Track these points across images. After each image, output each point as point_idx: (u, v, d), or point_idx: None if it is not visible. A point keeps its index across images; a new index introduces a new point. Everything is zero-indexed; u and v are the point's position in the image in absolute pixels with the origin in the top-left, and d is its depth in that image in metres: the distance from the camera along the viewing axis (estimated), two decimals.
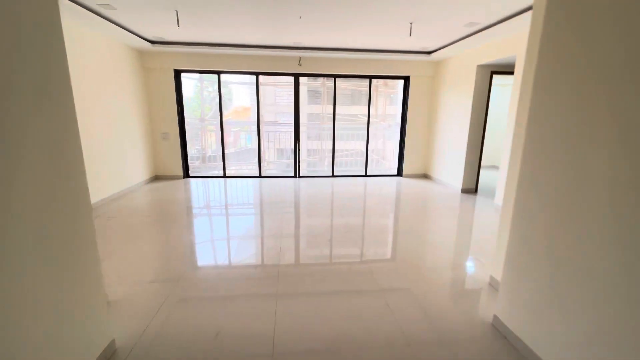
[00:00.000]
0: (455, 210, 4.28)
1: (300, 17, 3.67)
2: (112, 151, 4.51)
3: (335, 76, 5.91)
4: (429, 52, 5.44)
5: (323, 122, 8.25)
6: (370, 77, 6.03)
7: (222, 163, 6.10)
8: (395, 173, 6.57)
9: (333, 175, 6.34)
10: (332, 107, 6.11)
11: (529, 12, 3.21)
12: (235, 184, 5.71)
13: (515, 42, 3.90)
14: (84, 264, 1.44)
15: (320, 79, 9.12)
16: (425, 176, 6.40)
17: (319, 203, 4.56)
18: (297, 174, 6.25)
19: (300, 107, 6.02)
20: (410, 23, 3.81)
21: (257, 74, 5.74)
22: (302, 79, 5.92)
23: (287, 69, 5.65)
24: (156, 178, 5.83)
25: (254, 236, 3.31)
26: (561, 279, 1.41)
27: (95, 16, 3.56)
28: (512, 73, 4.86)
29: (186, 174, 6.02)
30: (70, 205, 1.35)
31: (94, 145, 4.06)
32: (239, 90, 12.72)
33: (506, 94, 6.26)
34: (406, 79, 6.08)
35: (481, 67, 4.71)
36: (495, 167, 6.68)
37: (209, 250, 3.03)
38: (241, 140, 10.97)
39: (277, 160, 9.09)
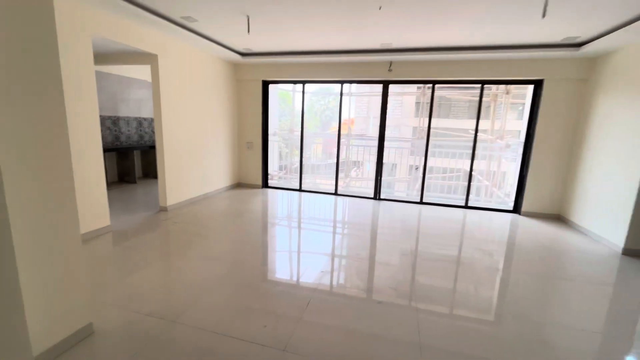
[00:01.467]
0: (612, 288, 2.66)
1: (380, 8, 2.97)
2: (203, 157, 4.78)
3: (433, 82, 4.86)
4: (578, 45, 3.81)
5: (424, 137, 7.10)
6: (483, 83, 4.70)
7: (299, 175, 5.83)
8: (511, 208, 4.92)
9: (421, 202, 5.22)
10: (441, 120, 5.05)
11: None
12: (309, 199, 5.32)
13: None
14: None
15: (427, 88, 8.02)
16: (558, 218, 4.55)
17: (392, 240, 3.66)
18: (377, 196, 5.41)
19: (403, 120, 5.20)
20: None
21: (342, 82, 5.26)
22: (407, 89, 5.09)
23: (376, 76, 4.96)
24: (238, 185, 6.02)
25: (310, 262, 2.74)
26: None
27: (187, 32, 3.76)
28: None
29: (265, 184, 6.01)
30: None
31: (186, 150, 4.34)
32: (345, 101, 12.79)
33: None
34: (537, 84, 4.49)
35: None
36: None
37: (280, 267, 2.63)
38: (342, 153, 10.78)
39: (365, 177, 8.40)
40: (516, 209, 4.85)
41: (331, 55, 4.72)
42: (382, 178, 5.38)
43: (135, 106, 6.08)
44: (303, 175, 5.86)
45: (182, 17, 3.47)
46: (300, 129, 5.71)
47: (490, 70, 4.48)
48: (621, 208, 3.38)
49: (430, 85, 4.92)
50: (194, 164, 4.71)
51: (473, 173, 5.07)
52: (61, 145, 1.58)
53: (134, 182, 5.81)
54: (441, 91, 9.21)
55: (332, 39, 4.11)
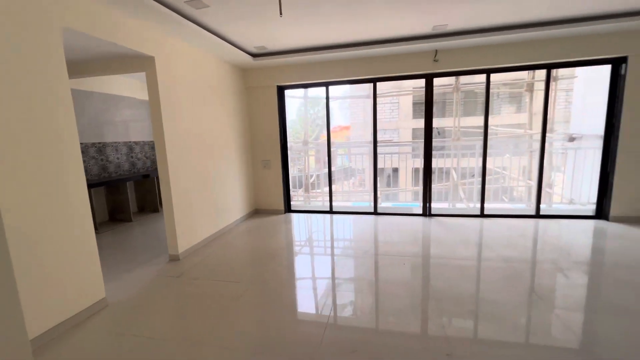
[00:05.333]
0: None
1: None
2: (214, 185, 3.81)
3: (487, 71, 4.06)
4: None
5: (456, 138, 6.30)
6: (549, 67, 3.94)
7: (328, 196, 4.92)
8: (593, 214, 4.11)
9: (482, 215, 4.36)
10: (481, 118, 4.24)
11: None
12: (345, 223, 4.40)
13: None
14: None
15: (448, 82, 7.29)
16: None
17: (465, 277, 2.76)
18: (426, 212, 4.53)
19: (421, 120, 4.36)
20: None
21: (374, 80, 4.41)
22: (404, 89, 4.28)
23: (417, 69, 4.14)
24: (256, 212, 5.05)
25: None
26: None
27: (191, 26, 2.86)
28: None
29: (288, 208, 5.06)
30: None
31: (196, 179, 3.38)
32: (333, 107, 11.90)
33: None
34: (617, 63, 3.74)
35: None
36: None
37: None
38: (338, 162, 9.95)
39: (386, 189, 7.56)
40: (601, 215, 4.04)
41: (362, 48, 3.88)
42: (431, 189, 4.51)
43: (124, 129, 5.08)
44: (319, 189, 4.94)
45: (187, 2, 2.57)
46: (326, 139, 4.82)
47: (555, 50, 3.71)
48: None
49: (484, 75, 4.11)
50: (206, 195, 3.75)
51: (496, 171, 4.25)
52: None
53: (129, 220, 4.77)
54: (469, 86, 8.47)
55: (370, 25, 3.28)
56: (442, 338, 1.87)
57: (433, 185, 4.67)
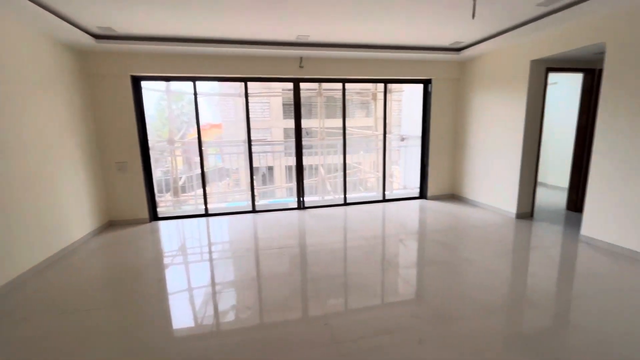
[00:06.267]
0: (513, 237, 3.19)
1: None
2: (43, 200, 2.92)
3: (344, 81, 4.75)
4: (459, 49, 4.47)
5: (321, 137, 7.03)
6: (386, 82, 4.95)
7: (202, 198, 4.62)
8: (418, 195, 5.46)
9: (346, 204, 5.09)
10: (340, 120, 4.92)
11: None
12: (223, 224, 4.26)
13: (603, 24, 2.97)
14: None
15: (313, 87, 8.00)
16: (452, 197, 5.35)
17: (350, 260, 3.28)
18: (301, 205, 4.92)
19: (292, 121, 4.75)
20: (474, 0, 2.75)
21: (245, 80, 4.42)
22: (273, 90, 4.67)
23: (284, 73, 4.40)
24: (111, 225, 4.22)
25: None
26: None
27: None
28: (573, 70, 4.00)
29: (154, 216, 4.46)
30: None
31: (14, 185, 2.49)
32: (202, 104, 11.21)
33: (556, 94, 5.43)
34: (426, 83, 5.07)
35: (536, 63, 3.78)
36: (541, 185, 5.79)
37: None
38: (210, 162, 9.50)
39: (260, 187, 7.73)
40: (422, 195, 5.41)
41: (231, 46, 3.84)
42: (303, 185, 4.92)
43: None
44: (190, 192, 4.66)
45: None
46: (197, 138, 4.49)
47: (392, 70, 4.73)
48: (510, 183, 4.19)
49: (341, 83, 4.77)
50: (33, 211, 2.87)
51: (353, 165, 5.32)
52: None
53: None
54: (330, 92, 9.48)
55: (241, 25, 3.30)
56: (321, 316, 2.13)
57: (305, 181, 5.10)
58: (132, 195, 4.24)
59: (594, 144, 3.15)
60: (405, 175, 6.42)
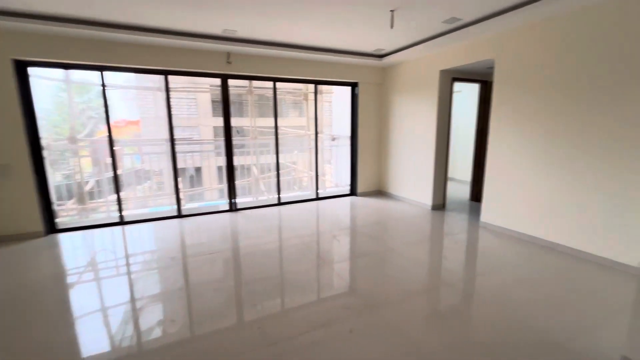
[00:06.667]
0: (430, 225, 3.65)
1: None
2: None
3: (274, 79, 4.70)
4: (381, 56, 4.83)
5: (254, 137, 6.84)
6: (316, 83, 5.07)
7: (116, 204, 4.07)
8: (349, 192, 5.74)
9: (280, 203, 5.06)
10: (272, 119, 4.87)
11: (521, 9, 2.80)
12: (144, 232, 3.83)
13: (492, 44, 3.54)
14: None
15: (243, 84, 7.74)
16: (379, 193, 5.76)
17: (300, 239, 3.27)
18: (232, 207, 4.72)
19: (221, 119, 4.55)
20: (392, 11, 3.00)
21: (166, 72, 4.04)
22: (200, 85, 4.48)
23: (210, 68, 4.16)
24: None
25: None
26: None
27: None
28: (472, 80, 4.65)
29: (50, 228, 3.77)
30: None
31: None
32: (114, 98, 9.92)
33: (461, 101, 6.19)
34: (354, 86, 5.35)
35: (444, 73, 4.31)
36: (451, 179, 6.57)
37: None
38: (126, 163, 8.50)
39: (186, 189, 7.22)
40: (353, 192, 5.70)
41: (149, 35, 3.47)
42: (235, 186, 4.73)
43: None
44: (101, 199, 4.12)
45: None
46: (107, 136, 3.93)
47: (321, 71, 4.86)
48: (426, 179, 4.70)
49: (272, 82, 4.72)
50: None
51: (288, 165, 5.45)
52: None
53: None
54: (261, 90, 9.23)
55: (161, 12, 3.00)
56: (255, 320, 2.08)
57: (237, 182, 4.91)
58: (20, 205, 3.51)
59: (488, 144, 3.74)
60: (337, 174, 6.68)
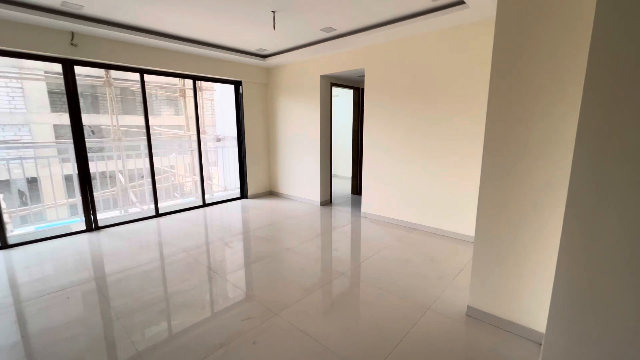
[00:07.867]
0: (320, 218, 3.95)
1: None
2: None
3: (142, 71, 4.02)
4: (264, 56, 4.80)
5: (117, 137, 5.66)
6: (195, 78, 4.60)
7: None
8: (239, 195, 5.49)
9: (158, 215, 4.38)
10: (142, 117, 4.15)
11: (389, 26, 3.30)
12: None
13: (364, 55, 4.00)
14: None
15: (97, 73, 6.37)
16: (271, 194, 5.75)
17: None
18: (92, 225, 3.80)
19: (65, 115, 3.63)
20: (274, 12, 3.00)
21: None
22: (28, 70, 3.56)
23: (48, 50, 3.22)
24: None
25: None
26: None
27: None
28: (348, 86, 5.15)
29: None
30: None
31: None
32: None
33: (340, 105, 6.68)
34: (237, 85, 5.14)
35: (324, 78, 4.63)
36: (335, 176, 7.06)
37: None
38: None
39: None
40: (243, 195, 5.49)
41: None
42: (93, 199, 3.82)
43: None
44: None
45: None
46: None
47: (202, 66, 4.46)
48: (313, 178, 4.96)
49: (138, 73, 4.01)
50: None
51: (165, 170, 4.99)
52: None
53: None
54: (124, 82, 7.65)
55: None
56: (135, 356, 1.72)
57: (96, 193, 3.99)
58: None
59: (363, 143, 4.23)
60: (224, 177, 6.29)
